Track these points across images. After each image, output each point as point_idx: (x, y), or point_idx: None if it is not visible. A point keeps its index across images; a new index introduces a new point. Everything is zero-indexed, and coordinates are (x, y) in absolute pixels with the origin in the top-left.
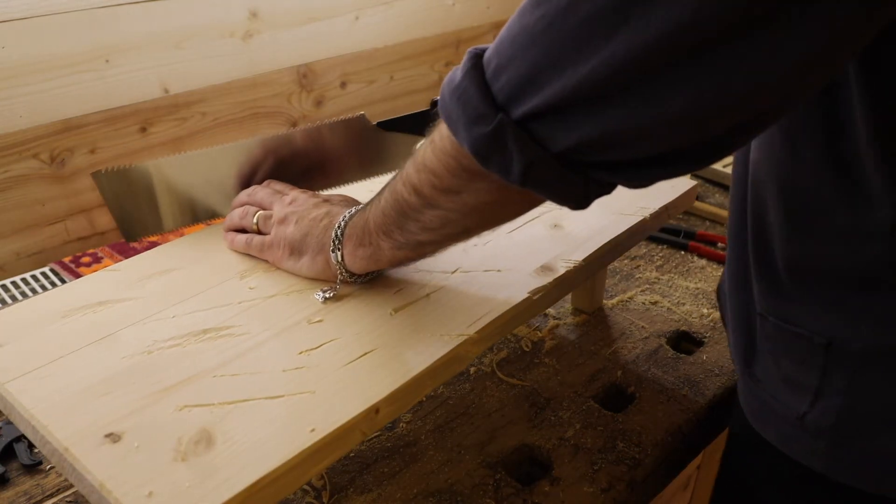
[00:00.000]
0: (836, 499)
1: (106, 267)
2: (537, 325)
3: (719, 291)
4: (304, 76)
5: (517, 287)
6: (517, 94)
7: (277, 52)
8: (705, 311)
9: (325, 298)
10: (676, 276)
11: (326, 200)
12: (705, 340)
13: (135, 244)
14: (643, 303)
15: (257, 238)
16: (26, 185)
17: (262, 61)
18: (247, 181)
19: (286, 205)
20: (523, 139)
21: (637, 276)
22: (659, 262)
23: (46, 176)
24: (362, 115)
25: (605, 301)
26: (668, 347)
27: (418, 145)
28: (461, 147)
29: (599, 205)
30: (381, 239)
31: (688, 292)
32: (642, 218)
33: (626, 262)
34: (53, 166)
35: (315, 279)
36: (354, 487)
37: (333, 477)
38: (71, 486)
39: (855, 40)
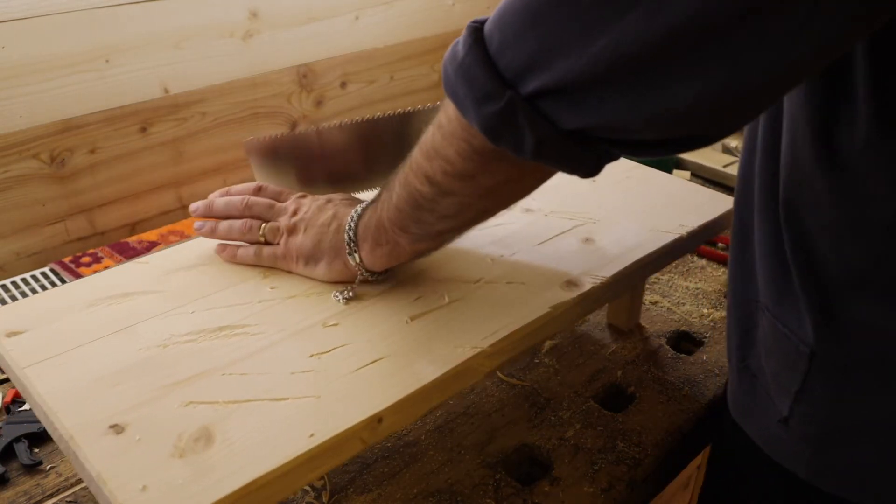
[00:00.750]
0: None
1: (107, 267)
2: None
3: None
4: (304, 76)
5: (539, 301)
6: (524, 72)
7: (277, 52)
8: (705, 311)
9: (346, 299)
10: (676, 276)
11: (329, 201)
12: (705, 340)
13: (135, 245)
14: (643, 303)
15: (267, 249)
16: (26, 185)
17: (262, 61)
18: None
19: (291, 214)
20: (533, 116)
21: None
22: None
23: (46, 176)
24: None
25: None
26: (668, 347)
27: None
28: (471, 127)
29: (635, 220)
30: (398, 235)
31: (688, 292)
32: (678, 236)
33: None
34: (53, 166)
35: (335, 282)
36: (354, 487)
37: (333, 477)
38: (71, 486)
39: (870, 22)
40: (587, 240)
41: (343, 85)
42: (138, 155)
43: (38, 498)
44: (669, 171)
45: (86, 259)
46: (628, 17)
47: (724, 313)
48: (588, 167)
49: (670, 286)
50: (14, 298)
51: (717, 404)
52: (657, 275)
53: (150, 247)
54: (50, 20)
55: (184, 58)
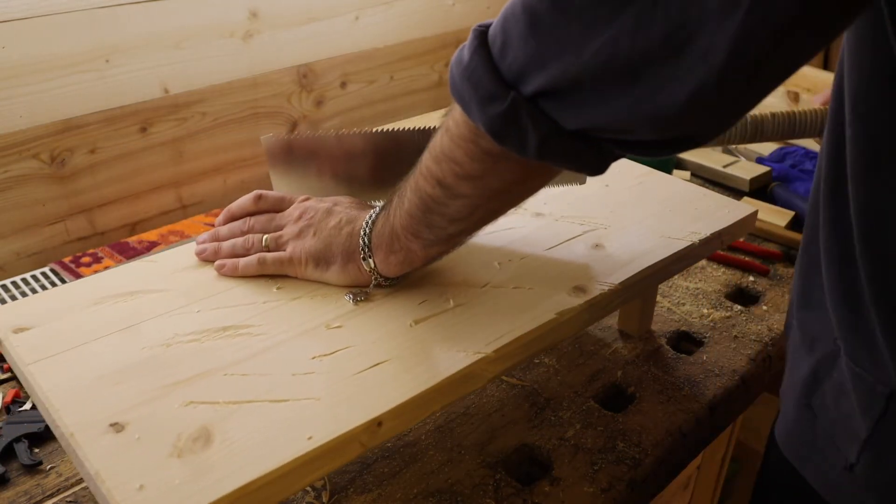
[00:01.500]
0: None
1: (107, 267)
2: None
3: (789, 315)
4: (304, 76)
5: (545, 307)
6: (525, 73)
7: (277, 52)
8: (705, 311)
9: (357, 301)
10: (676, 276)
11: (336, 204)
12: (705, 340)
13: (135, 245)
14: None
15: (271, 255)
16: (26, 185)
17: (262, 61)
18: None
19: (296, 220)
20: (536, 115)
21: None
22: None
23: (46, 176)
24: None
25: None
26: (668, 347)
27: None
28: (478, 129)
29: (646, 226)
30: (411, 241)
31: (688, 292)
32: (690, 244)
33: None
34: (53, 166)
35: (347, 286)
36: (354, 487)
37: (333, 477)
38: (71, 486)
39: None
40: (597, 245)
41: (343, 85)
42: (138, 155)
43: (38, 498)
44: (669, 172)
45: (86, 259)
46: (622, 19)
47: (724, 313)
48: (593, 166)
49: (670, 286)
50: (14, 298)
51: (718, 404)
52: None
53: (150, 247)
54: (50, 20)
55: (184, 58)
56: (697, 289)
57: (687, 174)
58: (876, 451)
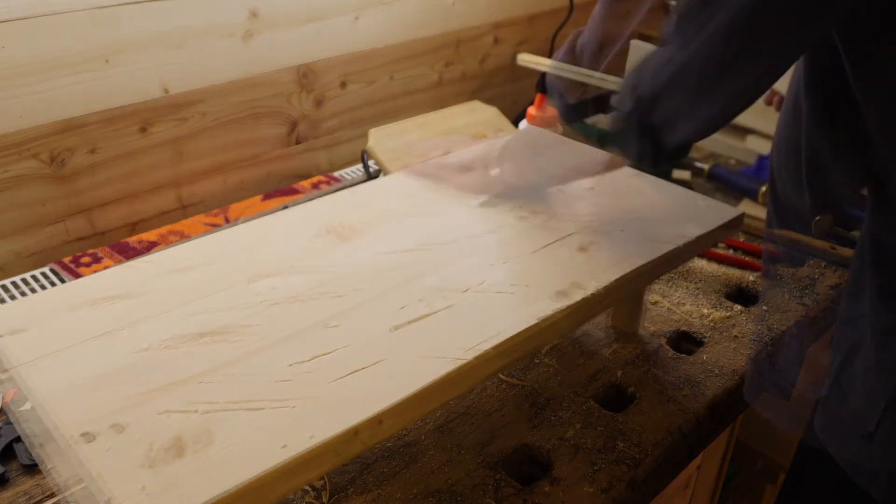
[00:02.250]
0: None
1: (107, 267)
2: None
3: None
4: (304, 76)
5: (527, 311)
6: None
7: (277, 52)
8: (705, 311)
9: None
10: (676, 276)
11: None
12: (705, 340)
13: (135, 245)
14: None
15: None
16: (26, 185)
17: (262, 61)
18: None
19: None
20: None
21: None
22: None
23: (46, 176)
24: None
25: None
26: (668, 347)
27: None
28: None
29: (632, 229)
30: None
31: (688, 292)
32: (675, 246)
33: None
34: (53, 166)
35: (342, 282)
36: (354, 487)
37: (333, 477)
38: (71, 486)
39: None
40: (582, 249)
41: (343, 85)
42: (138, 155)
43: (38, 498)
44: (670, 172)
45: (86, 259)
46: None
47: (724, 313)
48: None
49: (670, 286)
50: (14, 298)
51: (718, 404)
52: None
53: (150, 247)
54: (50, 20)
55: (184, 58)
56: (697, 289)
57: (687, 174)
58: (893, 420)
